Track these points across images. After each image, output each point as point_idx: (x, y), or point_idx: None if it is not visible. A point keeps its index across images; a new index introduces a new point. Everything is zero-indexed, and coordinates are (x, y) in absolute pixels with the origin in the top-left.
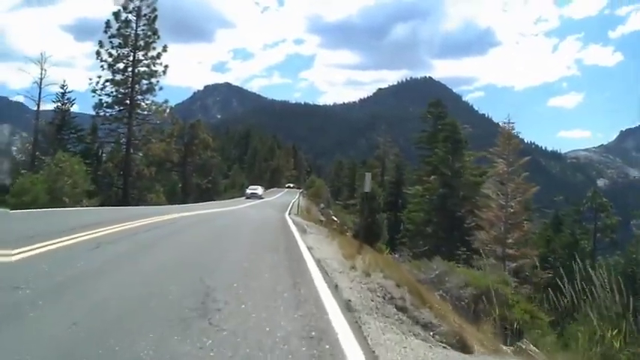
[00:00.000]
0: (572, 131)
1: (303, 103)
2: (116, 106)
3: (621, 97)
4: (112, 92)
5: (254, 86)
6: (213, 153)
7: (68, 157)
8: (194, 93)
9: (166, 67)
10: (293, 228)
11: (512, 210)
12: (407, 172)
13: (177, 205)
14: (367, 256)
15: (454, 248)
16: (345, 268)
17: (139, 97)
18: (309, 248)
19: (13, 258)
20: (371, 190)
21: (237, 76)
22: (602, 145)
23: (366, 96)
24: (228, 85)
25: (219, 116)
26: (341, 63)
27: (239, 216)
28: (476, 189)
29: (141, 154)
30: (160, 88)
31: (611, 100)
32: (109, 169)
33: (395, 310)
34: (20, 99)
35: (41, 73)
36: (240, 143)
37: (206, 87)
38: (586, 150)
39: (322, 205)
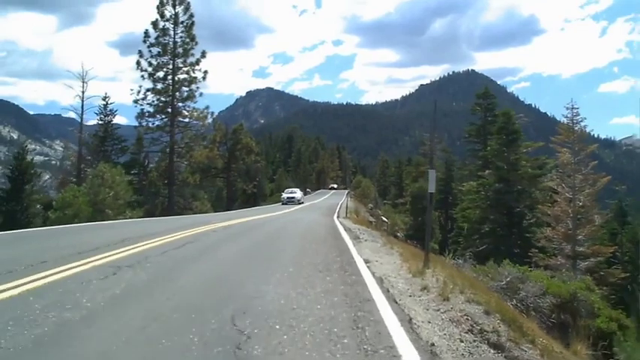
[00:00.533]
0: (626, 117)
1: (345, 103)
2: (158, 115)
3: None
4: (153, 101)
5: (295, 89)
6: (256, 157)
7: (109, 168)
8: (236, 99)
9: (206, 72)
10: (344, 235)
11: (580, 203)
12: (456, 168)
13: (220, 213)
14: (438, 269)
15: (513, 247)
16: (414, 288)
17: (180, 104)
18: (367, 262)
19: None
20: (419, 189)
21: (278, 80)
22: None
23: (407, 93)
24: (269, 89)
25: (262, 121)
26: (381, 61)
27: (284, 224)
28: (535, 182)
29: (185, 162)
30: (200, 94)
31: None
32: (153, 179)
33: (491, 351)
34: (72, 115)
35: (83, 86)
36: (283, 147)
37: (248, 93)
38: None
39: (370, 206)
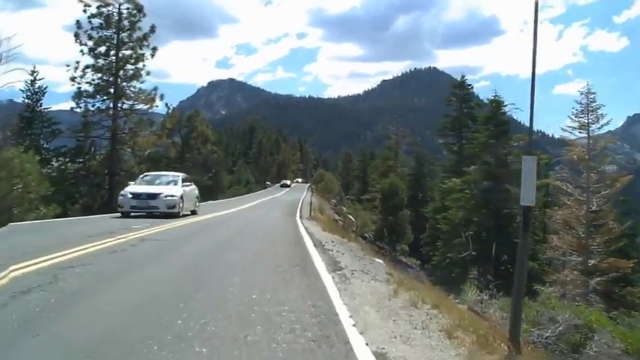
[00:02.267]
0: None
1: (307, 96)
2: (99, 96)
3: (628, 82)
4: (93, 80)
5: (258, 81)
6: (213, 147)
7: (17, 154)
8: (198, 90)
9: (154, 49)
10: (312, 252)
11: (593, 207)
12: (427, 163)
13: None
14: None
15: (501, 254)
16: None
17: (125, 84)
18: (354, 316)
19: None
20: (390, 185)
21: (241, 71)
22: (609, 131)
23: (370, 88)
24: (231, 80)
25: (223, 112)
26: (344, 55)
27: (231, 233)
28: None
29: (128, 150)
30: (148, 73)
31: (617, 85)
32: (94, 168)
33: None
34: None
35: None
36: (244, 138)
37: (209, 83)
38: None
39: (334, 201)
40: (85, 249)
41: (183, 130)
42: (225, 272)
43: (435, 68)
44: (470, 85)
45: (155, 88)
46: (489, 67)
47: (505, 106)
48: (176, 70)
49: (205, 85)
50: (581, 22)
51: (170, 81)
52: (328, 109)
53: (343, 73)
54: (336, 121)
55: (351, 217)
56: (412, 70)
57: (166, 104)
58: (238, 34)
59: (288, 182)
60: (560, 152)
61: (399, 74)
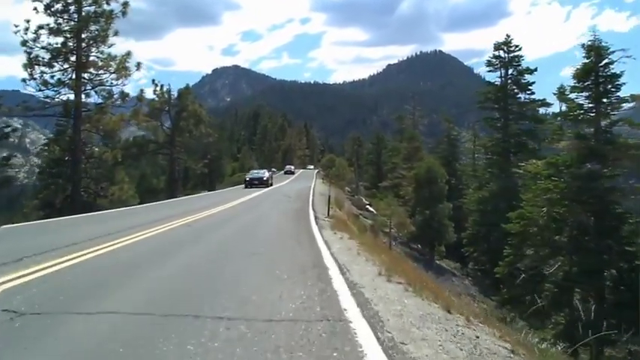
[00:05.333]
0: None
1: (312, 82)
2: (57, 63)
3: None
4: (49, 44)
5: (263, 68)
6: (207, 129)
7: None
8: (203, 77)
9: (125, 5)
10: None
11: None
12: (459, 144)
13: (128, 209)
14: None
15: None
16: None
17: (93, 49)
18: None
19: None
20: (427, 170)
21: (246, 58)
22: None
23: (375, 72)
24: (236, 67)
25: (228, 99)
26: (349, 40)
27: (203, 255)
28: None
29: (92, 131)
30: (116, 33)
31: (625, 66)
32: (55, 155)
33: None
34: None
35: None
36: (248, 124)
37: (214, 70)
38: None
39: (348, 189)
40: None
41: (173, 111)
42: None
43: (440, 51)
44: (518, 45)
45: (128, 53)
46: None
47: (610, 53)
48: (181, 57)
49: (210, 72)
50: (589, 2)
51: (175, 69)
52: (333, 94)
53: (348, 58)
54: (341, 107)
55: (371, 209)
56: (418, 53)
57: (153, 81)
58: (242, 21)
59: (293, 168)
60: None
61: (405, 58)
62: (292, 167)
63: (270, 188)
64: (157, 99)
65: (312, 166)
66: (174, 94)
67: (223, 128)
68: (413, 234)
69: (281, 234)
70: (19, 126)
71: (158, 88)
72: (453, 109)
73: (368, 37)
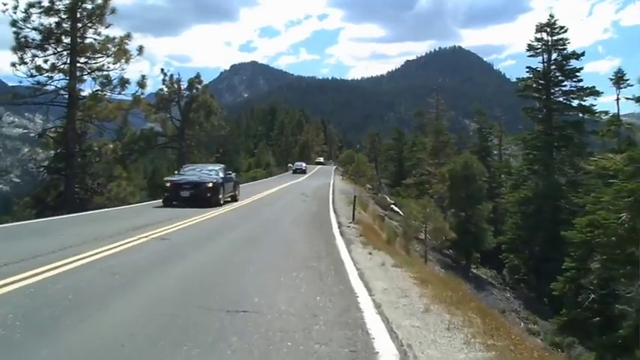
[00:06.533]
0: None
1: (330, 78)
2: (49, 46)
3: None
4: (41, 24)
5: (281, 64)
6: (220, 122)
7: None
8: (220, 73)
9: None
10: None
11: None
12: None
13: (113, 211)
14: None
15: None
16: None
17: (91, 30)
18: None
19: None
20: (464, 166)
21: (264, 54)
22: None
23: (393, 69)
24: (254, 63)
25: (245, 95)
26: (366, 37)
27: (178, 293)
28: None
29: (86, 120)
30: (113, 11)
31: None
32: (49, 146)
33: None
34: None
35: None
36: (265, 120)
37: (232, 66)
38: (625, 115)
39: (369, 186)
40: None
41: (183, 101)
42: None
43: (460, 47)
44: (563, 27)
45: (128, 35)
46: (515, 46)
47: None
48: (198, 54)
49: (228, 68)
50: None
51: (192, 65)
52: (351, 90)
53: (365, 55)
54: (358, 103)
55: (396, 209)
56: (436, 49)
57: (162, 70)
58: (259, 17)
59: (304, 166)
60: None
61: (423, 54)
62: (303, 165)
63: (284, 185)
64: (165, 89)
65: (322, 159)
66: (185, 84)
67: (240, 124)
68: (452, 240)
69: (290, 257)
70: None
71: (167, 78)
72: (471, 105)
73: (385, 34)
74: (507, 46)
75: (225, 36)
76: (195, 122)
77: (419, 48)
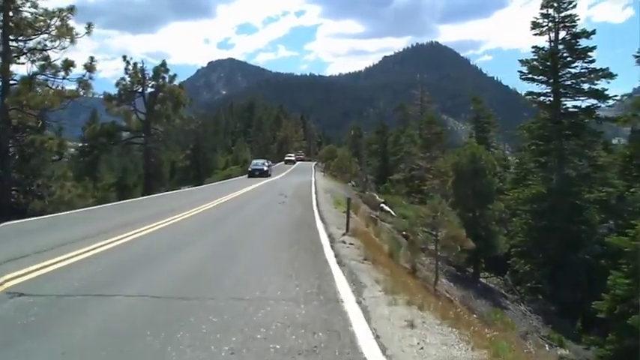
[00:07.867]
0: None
1: (308, 74)
2: None
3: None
4: None
5: (259, 61)
6: (189, 115)
7: None
8: (197, 70)
9: None
10: None
11: None
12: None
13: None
14: None
15: None
16: None
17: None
18: None
19: None
20: (470, 159)
21: (242, 51)
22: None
23: (371, 64)
24: (231, 60)
25: (223, 92)
26: (344, 32)
27: None
28: None
29: (13, 107)
30: None
31: (622, 57)
32: None
33: None
34: None
35: None
36: (243, 116)
37: (209, 63)
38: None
39: (352, 183)
40: None
41: (147, 91)
42: None
43: (437, 43)
44: (572, 1)
45: (71, 8)
46: (492, 42)
47: None
48: (176, 51)
49: (205, 65)
50: None
51: (170, 62)
52: (329, 86)
53: (343, 51)
54: (337, 99)
55: (387, 208)
56: (414, 45)
57: (124, 57)
58: (237, 13)
59: (293, 157)
60: None
61: (401, 50)
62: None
63: (260, 184)
64: (128, 79)
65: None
66: (149, 73)
67: (219, 121)
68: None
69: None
70: None
71: (130, 67)
72: (449, 100)
73: (363, 30)
74: (484, 42)
75: (203, 33)
76: (162, 115)
77: (397, 44)
